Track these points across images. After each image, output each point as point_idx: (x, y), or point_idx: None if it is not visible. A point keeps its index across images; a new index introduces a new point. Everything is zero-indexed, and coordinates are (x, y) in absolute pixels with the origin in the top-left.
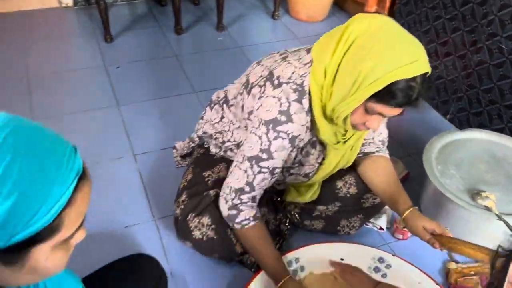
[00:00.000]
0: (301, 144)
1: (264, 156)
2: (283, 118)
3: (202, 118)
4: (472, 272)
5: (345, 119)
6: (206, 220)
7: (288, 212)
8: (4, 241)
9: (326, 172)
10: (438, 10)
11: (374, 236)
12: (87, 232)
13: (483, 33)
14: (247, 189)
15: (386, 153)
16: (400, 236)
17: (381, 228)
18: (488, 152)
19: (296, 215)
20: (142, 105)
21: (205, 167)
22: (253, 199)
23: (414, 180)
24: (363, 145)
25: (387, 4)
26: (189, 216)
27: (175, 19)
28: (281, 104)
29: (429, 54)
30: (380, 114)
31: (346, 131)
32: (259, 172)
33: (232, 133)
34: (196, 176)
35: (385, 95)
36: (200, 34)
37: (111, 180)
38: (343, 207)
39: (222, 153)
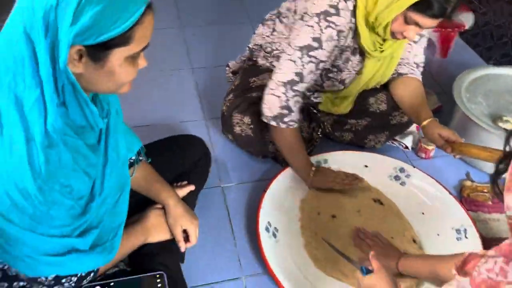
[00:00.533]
0: (345, 43)
1: (316, 44)
2: (333, 11)
3: (254, 33)
4: (485, 190)
5: (385, 27)
6: (247, 119)
7: (322, 122)
8: (93, 39)
9: (362, 82)
10: None
11: (399, 153)
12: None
13: None
14: (297, 78)
15: (419, 77)
16: (423, 155)
17: (406, 147)
18: None
19: (329, 126)
20: (203, 28)
21: (251, 75)
22: (302, 95)
23: (445, 113)
24: (399, 64)
25: None
26: (234, 113)
27: None
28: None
29: (479, 1)
30: (417, 24)
31: (383, 41)
32: (309, 62)
33: (281, 44)
34: (242, 81)
35: (423, 5)
36: None
37: (172, 86)
38: (372, 122)
39: (268, 64)
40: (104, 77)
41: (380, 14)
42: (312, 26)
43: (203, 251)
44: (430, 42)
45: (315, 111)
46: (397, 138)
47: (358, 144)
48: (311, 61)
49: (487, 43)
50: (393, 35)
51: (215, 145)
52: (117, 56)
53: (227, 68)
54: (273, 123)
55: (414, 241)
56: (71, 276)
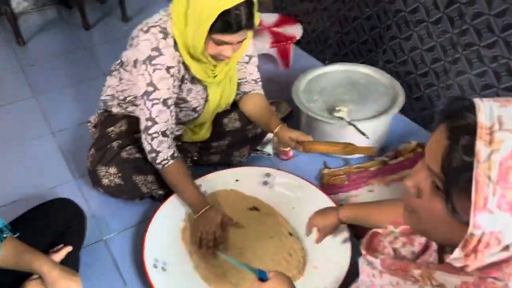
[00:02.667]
0: (178, 75)
1: (151, 88)
2: (155, 53)
3: (105, 86)
4: (341, 173)
5: (203, 54)
6: (112, 169)
7: (189, 152)
8: None
9: (213, 106)
10: None
11: (264, 161)
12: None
13: None
14: (149, 123)
15: (261, 91)
16: (284, 157)
17: (269, 154)
18: (346, 79)
19: (195, 153)
20: (58, 92)
21: (108, 125)
22: (163, 134)
23: (296, 116)
24: (241, 85)
25: None
26: (98, 166)
27: (81, 16)
28: (151, 43)
29: (303, 13)
30: (228, 43)
31: (214, 67)
32: (153, 104)
33: (132, 89)
34: (101, 134)
35: (220, 25)
36: (108, 27)
37: (34, 155)
38: (232, 140)
39: (123, 111)
40: None
41: (192, 45)
42: (142, 74)
43: None
44: (271, 58)
45: (179, 143)
46: (258, 148)
47: (226, 162)
48: (154, 104)
49: (318, 47)
50: (215, 58)
51: (90, 201)
52: None
53: (89, 123)
54: (156, 166)
55: (291, 234)
56: None
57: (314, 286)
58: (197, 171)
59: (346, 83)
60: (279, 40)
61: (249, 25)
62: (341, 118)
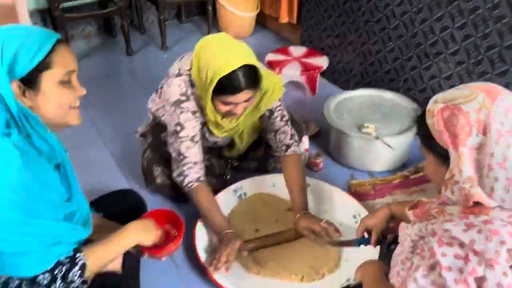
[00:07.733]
0: (201, 119)
1: (178, 128)
2: (183, 98)
3: (154, 100)
4: (367, 184)
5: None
6: (167, 170)
7: (230, 158)
8: (22, 70)
9: (244, 142)
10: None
11: None
12: None
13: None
14: (180, 157)
15: (297, 149)
16: (315, 168)
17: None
18: (370, 101)
19: (235, 161)
20: (105, 107)
21: (161, 131)
22: (193, 163)
23: (323, 134)
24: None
25: (295, 13)
26: (154, 166)
27: (125, 44)
28: (181, 88)
29: (329, 47)
30: (233, 103)
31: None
32: (181, 142)
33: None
34: (155, 138)
35: (221, 89)
36: (148, 54)
37: (88, 160)
38: (268, 148)
39: None
40: (45, 100)
41: (205, 106)
42: (171, 115)
43: None
44: (300, 85)
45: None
46: None
47: (262, 169)
48: (182, 141)
49: (343, 77)
50: (226, 115)
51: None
52: (47, 79)
53: (136, 134)
54: (184, 190)
55: None
56: None
57: (347, 276)
58: (237, 176)
59: (371, 105)
60: (307, 68)
61: (250, 86)
62: (369, 134)
